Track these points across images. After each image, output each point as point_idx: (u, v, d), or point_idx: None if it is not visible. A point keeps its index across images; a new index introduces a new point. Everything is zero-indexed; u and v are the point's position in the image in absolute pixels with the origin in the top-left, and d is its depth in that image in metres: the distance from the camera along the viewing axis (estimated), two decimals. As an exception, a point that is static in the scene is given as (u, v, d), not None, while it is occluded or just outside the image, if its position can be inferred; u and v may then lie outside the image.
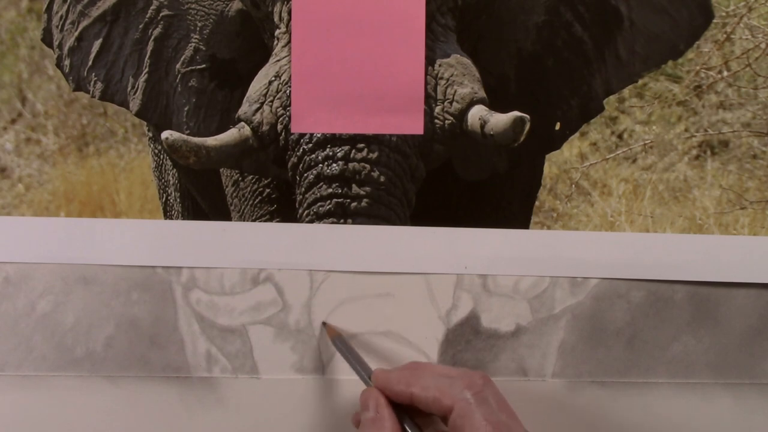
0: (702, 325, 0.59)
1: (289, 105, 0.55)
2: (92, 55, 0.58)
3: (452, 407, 0.45)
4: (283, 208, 0.58)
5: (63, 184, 0.57)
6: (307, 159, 0.55)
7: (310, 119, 0.56)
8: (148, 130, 0.59)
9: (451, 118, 0.56)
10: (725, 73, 0.59)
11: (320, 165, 0.55)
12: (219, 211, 0.60)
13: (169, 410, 0.56)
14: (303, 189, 0.56)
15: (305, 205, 0.56)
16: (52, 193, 0.57)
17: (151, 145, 0.60)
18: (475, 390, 0.45)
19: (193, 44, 0.59)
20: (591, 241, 0.58)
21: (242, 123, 0.56)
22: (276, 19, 0.56)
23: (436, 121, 0.56)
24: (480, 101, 0.56)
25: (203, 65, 0.59)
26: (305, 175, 0.56)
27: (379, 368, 0.50)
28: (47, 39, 0.58)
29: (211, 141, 0.55)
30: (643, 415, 0.59)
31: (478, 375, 0.47)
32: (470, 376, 0.46)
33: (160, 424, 0.56)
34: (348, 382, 0.57)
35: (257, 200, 0.59)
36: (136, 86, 0.58)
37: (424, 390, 0.46)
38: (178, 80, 0.58)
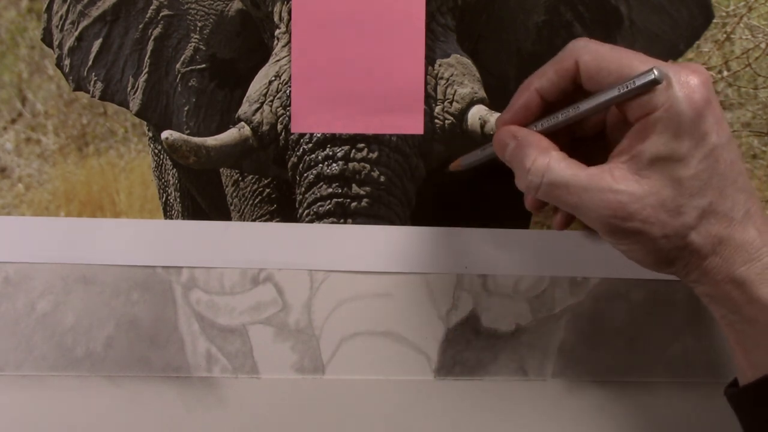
0: (702, 325, 0.59)
1: (289, 105, 0.55)
2: (92, 55, 0.58)
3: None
4: (283, 208, 0.58)
5: (63, 184, 0.57)
6: (307, 159, 0.56)
7: (310, 119, 0.56)
8: (148, 130, 0.59)
9: (451, 118, 0.56)
10: (725, 73, 0.59)
11: (320, 165, 0.55)
12: (219, 211, 0.60)
13: (169, 410, 0.56)
14: (303, 189, 0.56)
15: (305, 205, 0.56)
16: (52, 193, 0.57)
17: (151, 145, 0.60)
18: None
19: (193, 44, 0.59)
20: (591, 241, 0.58)
21: (242, 123, 0.56)
22: (276, 19, 0.56)
23: (436, 121, 0.56)
24: (480, 101, 0.56)
25: (203, 65, 0.59)
26: (305, 175, 0.56)
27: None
28: (47, 39, 0.58)
29: (211, 141, 0.55)
30: (643, 415, 0.59)
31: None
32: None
33: (160, 424, 0.56)
34: (348, 382, 0.57)
35: (257, 200, 0.59)
36: (136, 86, 0.58)
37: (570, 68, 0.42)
38: (178, 80, 0.58)
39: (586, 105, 0.43)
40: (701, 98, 0.39)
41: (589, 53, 0.42)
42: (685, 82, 0.39)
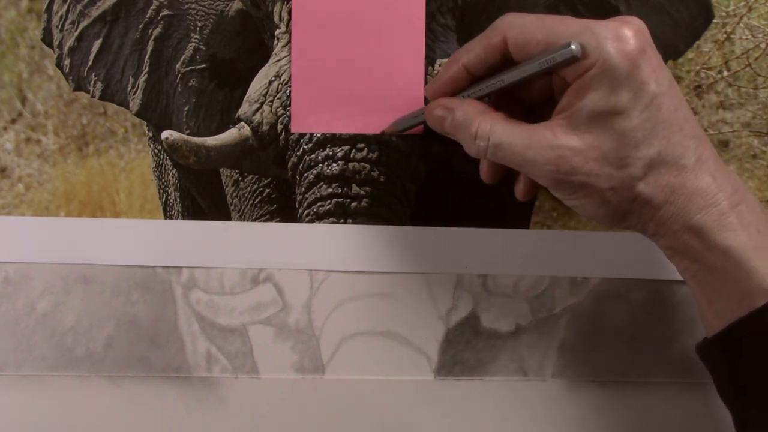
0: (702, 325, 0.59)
1: (289, 105, 0.55)
2: (92, 55, 0.58)
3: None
4: (283, 208, 0.58)
5: (63, 184, 0.57)
6: (307, 159, 0.56)
7: (310, 119, 0.56)
8: (148, 130, 0.59)
9: (451, 118, 0.56)
10: (725, 73, 0.59)
11: (320, 165, 0.55)
12: (219, 211, 0.60)
13: (169, 410, 0.56)
14: (303, 189, 0.56)
15: (305, 205, 0.56)
16: (52, 193, 0.57)
17: (151, 145, 0.60)
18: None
19: (193, 44, 0.59)
20: (591, 241, 0.58)
21: (242, 123, 0.56)
22: (276, 19, 0.56)
23: (436, 121, 0.56)
24: (480, 101, 0.56)
25: (203, 65, 0.59)
26: (305, 175, 0.56)
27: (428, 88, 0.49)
28: (47, 39, 0.58)
29: (211, 141, 0.55)
30: (643, 415, 0.59)
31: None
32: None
33: (160, 424, 0.56)
34: (348, 382, 0.57)
35: (257, 200, 0.59)
36: (136, 86, 0.58)
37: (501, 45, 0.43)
38: (178, 80, 0.58)
39: (508, 77, 0.43)
40: (634, 48, 0.39)
41: (515, 28, 0.42)
42: (616, 35, 0.39)
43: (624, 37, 0.39)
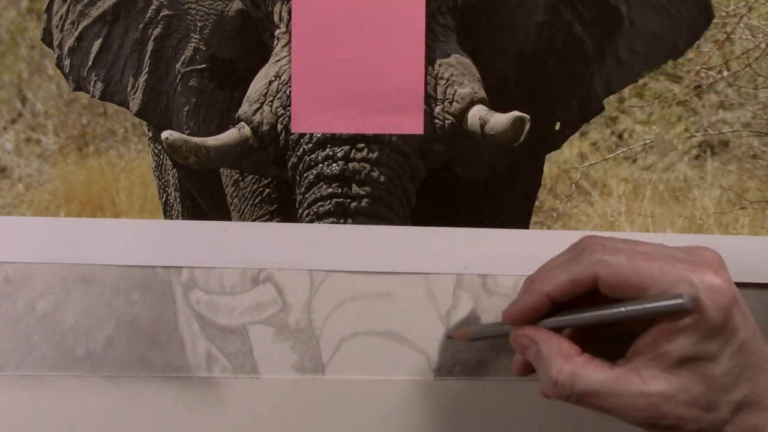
0: None
1: (289, 105, 0.55)
2: (92, 55, 0.58)
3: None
4: (283, 208, 0.58)
5: (63, 184, 0.57)
6: (307, 159, 0.56)
7: (310, 119, 0.56)
8: (148, 130, 0.59)
9: (451, 118, 0.56)
10: (725, 73, 0.59)
11: (320, 165, 0.55)
12: (219, 211, 0.60)
13: (169, 410, 0.56)
14: (303, 189, 0.56)
15: (305, 205, 0.56)
16: (52, 193, 0.57)
17: (151, 145, 0.60)
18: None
19: (193, 44, 0.59)
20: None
21: (242, 123, 0.56)
22: (276, 19, 0.56)
23: (436, 121, 0.56)
24: (480, 101, 0.56)
25: (203, 65, 0.59)
26: (305, 175, 0.56)
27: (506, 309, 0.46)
28: (47, 39, 0.58)
29: (211, 141, 0.55)
30: (643, 415, 0.59)
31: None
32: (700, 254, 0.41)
33: (160, 424, 0.56)
34: (348, 382, 0.57)
35: (257, 200, 0.59)
36: (136, 86, 0.58)
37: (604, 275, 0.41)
38: (178, 80, 0.59)
39: (605, 313, 0.42)
40: (728, 300, 0.39)
41: (606, 267, 0.41)
42: (711, 286, 0.39)
43: (719, 288, 0.39)
